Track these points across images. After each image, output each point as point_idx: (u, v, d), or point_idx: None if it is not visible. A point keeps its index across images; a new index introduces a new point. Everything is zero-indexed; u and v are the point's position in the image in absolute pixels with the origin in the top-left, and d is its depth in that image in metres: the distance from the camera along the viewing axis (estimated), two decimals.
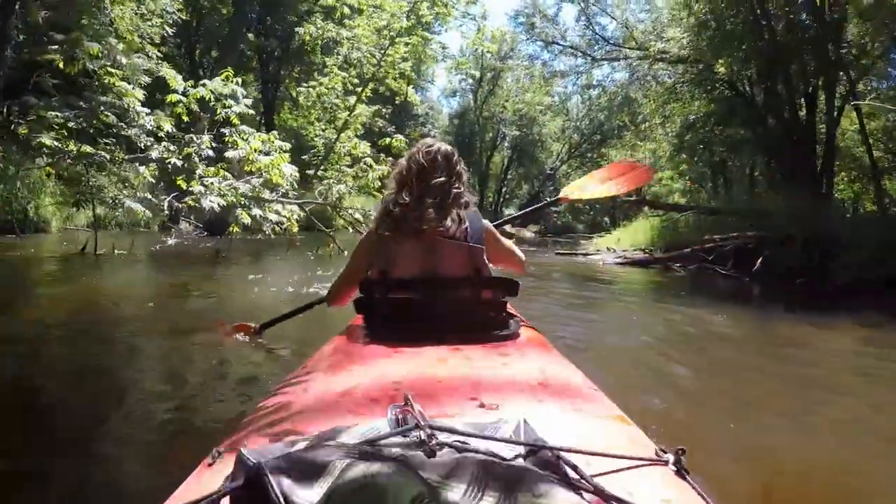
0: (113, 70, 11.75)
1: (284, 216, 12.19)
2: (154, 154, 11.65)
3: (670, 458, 1.37)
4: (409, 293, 2.58)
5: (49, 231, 16.96)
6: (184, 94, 11.75)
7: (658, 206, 25.46)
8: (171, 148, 11.71)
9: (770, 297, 12.21)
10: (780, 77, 20.32)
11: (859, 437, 3.67)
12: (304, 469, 0.95)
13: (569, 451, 1.19)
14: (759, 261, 14.39)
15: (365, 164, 15.03)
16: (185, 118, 12.18)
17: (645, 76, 30.74)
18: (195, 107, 12.15)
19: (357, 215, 14.54)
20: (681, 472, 1.34)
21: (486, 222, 2.79)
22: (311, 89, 25.00)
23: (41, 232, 16.51)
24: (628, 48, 30.41)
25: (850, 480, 3.11)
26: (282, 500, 0.89)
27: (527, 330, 2.64)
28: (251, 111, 12.44)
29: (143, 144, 11.92)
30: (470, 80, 56.82)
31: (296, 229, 12.65)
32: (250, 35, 33.70)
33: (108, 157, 11.47)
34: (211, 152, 11.96)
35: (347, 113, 23.93)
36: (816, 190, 18.98)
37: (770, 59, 19.53)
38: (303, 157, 25.30)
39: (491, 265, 2.71)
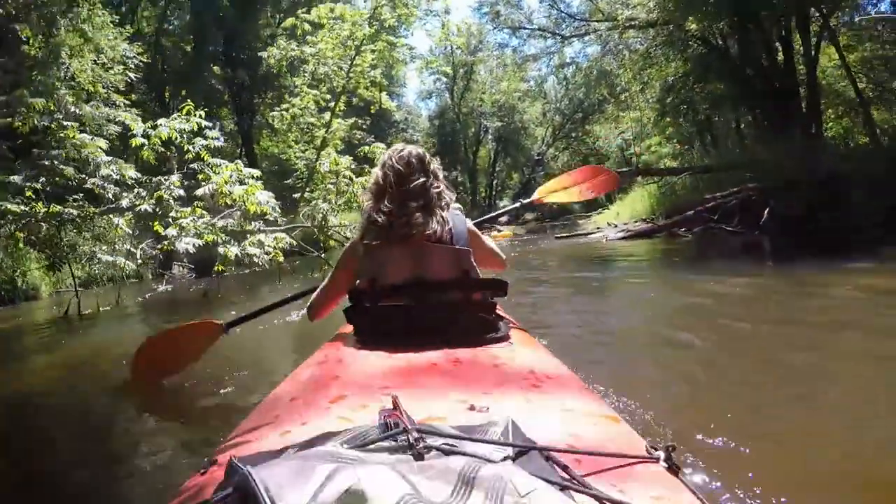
0: (67, 122, 11.18)
1: (269, 246, 11.59)
2: (124, 202, 11.09)
3: (661, 455, 1.36)
4: (400, 300, 2.55)
5: (39, 297, 16.33)
6: (145, 135, 11.18)
7: (652, 173, 24.72)
8: (143, 194, 11.14)
9: (781, 249, 11.84)
10: (752, 25, 20.05)
11: (867, 428, 3.29)
12: (292, 475, 0.93)
13: (558, 450, 1.23)
14: (766, 212, 14.01)
15: (345, 177, 14.42)
16: (152, 161, 11.63)
17: (617, 46, 30.64)
18: (161, 148, 11.60)
19: (347, 233, 13.99)
20: (672, 468, 1.33)
21: (468, 222, 2.79)
22: (284, 112, 24.40)
23: (32, 299, 15.95)
24: (596, 21, 30.03)
25: (854, 474, 2.82)
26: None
27: (517, 331, 2.64)
28: (220, 142, 11.84)
29: (110, 194, 11.36)
30: (444, 79, 56.07)
31: (281, 258, 12.06)
32: (216, 68, 33.19)
33: (76, 213, 10.89)
34: (181, 192, 11.39)
35: (324, 130, 23.34)
36: (806, 132, 18.72)
37: (739, 8, 19.02)
38: (286, 182, 24.86)
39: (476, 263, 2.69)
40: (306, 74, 24.41)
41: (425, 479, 0.95)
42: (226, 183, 10.85)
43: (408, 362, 2.10)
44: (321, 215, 14.05)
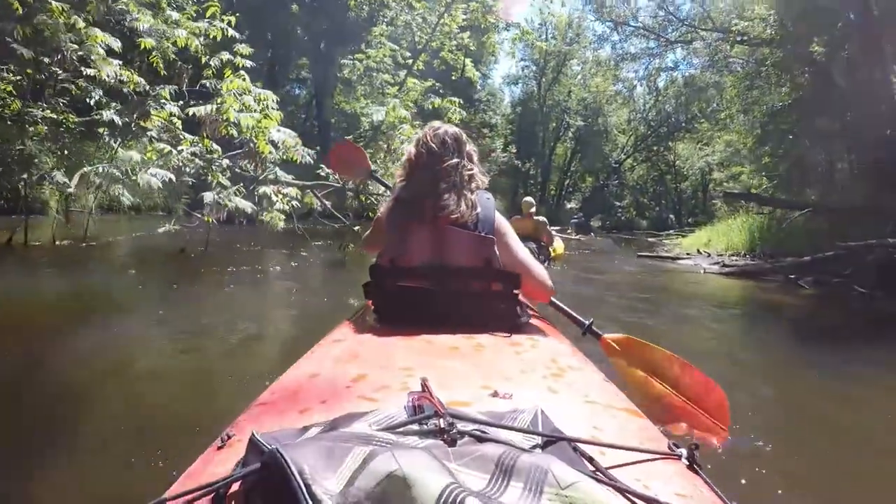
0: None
1: (278, 201, 8.73)
2: (107, 113, 8.29)
3: (683, 452, 1.34)
4: (418, 282, 2.43)
5: (45, 214, 14.25)
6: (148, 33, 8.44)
7: (767, 202, 21.29)
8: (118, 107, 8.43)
9: None
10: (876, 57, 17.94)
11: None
12: (325, 456, 0.88)
13: (586, 442, 1.22)
14: None
15: (401, 134, 11.35)
16: (161, 70, 8.88)
17: (725, 58, 27.69)
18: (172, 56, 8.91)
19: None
20: (693, 466, 1.32)
21: (499, 216, 2.57)
22: (357, 62, 21.55)
23: (37, 214, 13.89)
24: (704, 29, 27.85)
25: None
26: (303, 487, 0.82)
27: (538, 320, 2.62)
28: (248, 61, 8.97)
29: (92, 101, 8.56)
30: (532, 66, 53.64)
31: (279, 223, 9.22)
32: (295, 6, 30.20)
33: (40, 115, 8.13)
34: (174, 108, 8.57)
35: (397, 88, 20.46)
36: None
37: (867, 35, 17.18)
38: (346, 138, 22.19)
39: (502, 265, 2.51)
40: (385, 20, 21.52)
41: (461, 467, 0.90)
42: (231, 106, 7.98)
43: (429, 344, 2.01)
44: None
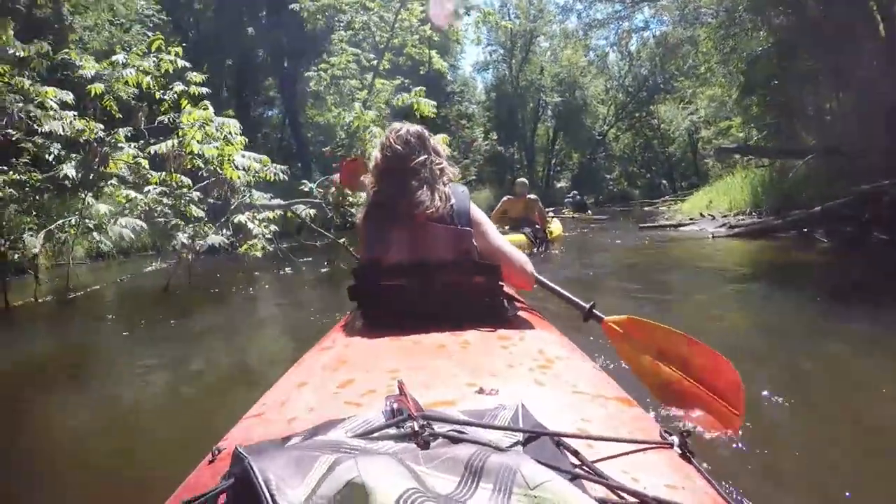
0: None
1: (257, 227, 8.43)
2: (66, 169, 8.02)
3: (675, 440, 1.34)
4: (400, 279, 2.47)
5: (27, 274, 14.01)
6: (98, 78, 8.13)
7: (766, 154, 20.88)
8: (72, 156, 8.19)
9: None
10: None
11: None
12: (293, 465, 0.91)
13: (569, 436, 1.21)
14: None
15: (371, 135, 10.98)
16: (116, 113, 8.59)
17: (695, 10, 27.47)
18: (128, 95, 8.63)
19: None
20: (686, 455, 1.33)
21: (474, 207, 2.61)
22: (322, 73, 21.22)
23: (18, 275, 13.65)
24: None
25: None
26: (268, 496, 0.85)
27: (526, 312, 2.62)
28: (202, 88, 8.70)
29: (51, 157, 8.30)
30: (501, 51, 53.18)
31: (258, 251, 8.94)
32: (250, 29, 29.86)
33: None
34: (131, 150, 8.30)
35: (366, 92, 20.12)
36: None
37: None
38: (323, 150, 21.93)
39: (482, 257, 2.56)
40: (341, 25, 21.17)
41: (431, 470, 0.92)
42: (193, 138, 7.69)
43: (415, 344, 2.02)
44: (337, 188, 10.71)
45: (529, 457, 0.98)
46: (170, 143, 8.16)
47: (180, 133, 8.38)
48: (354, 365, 1.88)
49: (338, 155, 19.32)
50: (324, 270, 11.41)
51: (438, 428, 1.10)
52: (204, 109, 8.59)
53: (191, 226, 8.59)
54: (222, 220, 8.99)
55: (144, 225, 8.04)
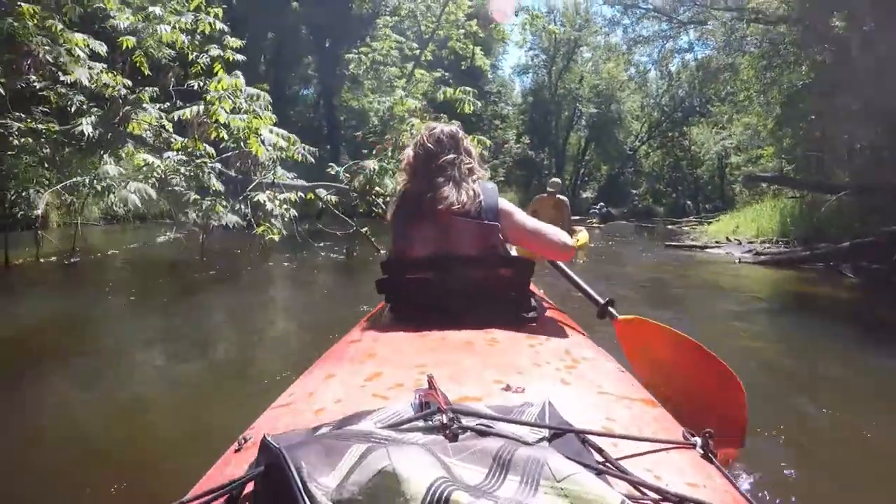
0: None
1: (276, 208, 7.95)
2: (84, 124, 7.57)
3: (697, 441, 1.36)
4: (425, 273, 2.48)
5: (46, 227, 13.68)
6: (131, 32, 7.66)
7: (800, 186, 20.30)
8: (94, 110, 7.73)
9: None
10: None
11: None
12: (324, 454, 0.91)
13: (594, 433, 1.21)
14: None
15: (409, 126, 10.44)
16: (146, 70, 8.13)
17: (740, 38, 26.80)
18: (162, 53, 8.12)
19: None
20: (708, 455, 1.33)
21: (503, 200, 2.58)
22: (362, 56, 20.73)
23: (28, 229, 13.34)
24: (716, 8, 27.20)
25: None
26: (300, 484, 0.85)
27: (552, 311, 2.64)
28: (239, 56, 8.22)
29: (73, 107, 7.84)
30: (543, 56, 52.92)
31: (276, 236, 8.46)
32: (295, 4, 29.33)
33: (17, 127, 7.46)
34: (155, 112, 7.82)
35: (405, 81, 19.65)
36: None
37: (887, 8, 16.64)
38: (356, 135, 21.47)
39: (518, 246, 2.75)
40: (388, 10, 20.70)
41: (459, 461, 0.92)
42: (220, 106, 7.22)
43: (443, 340, 2.01)
44: (364, 175, 10.19)
45: (556, 451, 0.98)
46: (195, 108, 7.68)
47: (207, 99, 7.88)
48: (382, 359, 1.86)
49: (368, 141, 18.90)
50: (343, 259, 11.12)
51: (466, 422, 1.11)
52: (236, 78, 8.10)
53: (207, 199, 8.09)
54: (240, 197, 8.50)
55: (153, 193, 7.52)
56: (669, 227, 32.90)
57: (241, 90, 8.18)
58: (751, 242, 18.21)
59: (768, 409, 3.84)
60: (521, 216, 2.63)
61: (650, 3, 31.22)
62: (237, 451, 1.33)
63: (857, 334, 6.94)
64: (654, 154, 56.82)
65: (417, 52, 21.17)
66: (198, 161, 8.20)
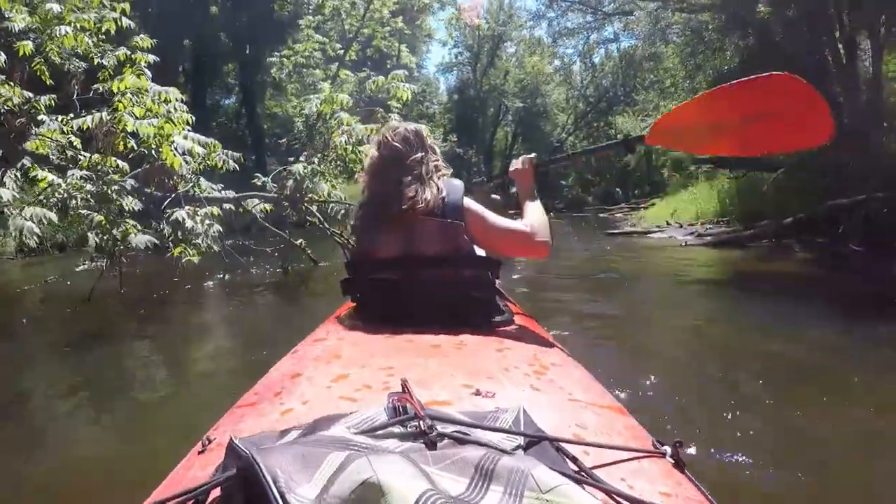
0: None
1: (198, 225, 7.07)
2: None
3: (668, 450, 1.34)
4: (390, 273, 2.45)
5: None
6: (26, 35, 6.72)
7: (738, 166, 20.10)
8: None
9: None
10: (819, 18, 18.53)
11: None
12: (301, 462, 0.87)
13: (570, 441, 1.21)
14: None
15: (340, 124, 9.55)
16: (47, 79, 7.20)
17: (665, 27, 27.03)
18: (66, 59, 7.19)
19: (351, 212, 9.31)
20: (678, 464, 1.32)
21: (468, 199, 2.52)
22: (284, 59, 19.79)
23: None
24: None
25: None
26: (276, 494, 0.80)
27: (521, 316, 2.60)
28: (152, 56, 7.31)
29: None
30: (467, 53, 52.97)
31: (195, 258, 7.55)
32: (214, 8, 28.02)
33: None
34: (53, 124, 6.86)
35: (329, 83, 18.80)
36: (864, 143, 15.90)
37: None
38: (280, 142, 20.55)
39: (485, 247, 2.60)
40: (310, 9, 19.80)
41: (440, 471, 0.89)
42: (127, 109, 6.29)
43: (410, 342, 1.99)
44: (294, 180, 9.29)
45: (538, 461, 0.95)
46: (98, 115, 6.71)
47: (113, 105, 6.93)
48: (349, 359, 1.83)
49: (295, 148, 18.00)
50: (278, 276, 10.14)
51: (443, 428, 1.06)
52: (139, 75, 7.14)
53: (118, 221, 7.12)
54: (160, 215, 7.56)
55: (54, 217, 6.52)
56: (602, 215, 33.60)
57: (146, 90, 7.20)
58: (691, 225, 18.49)
59: (732, 404, 3.84)
60: (488, 213, 2.55)
61: None
62: (201, 452, 1.28)
63: (817, 310, 6.96)
64: (581, 145, 57.18)
65: (341, 51, 20.30)
66: (107, 178, 7.18)
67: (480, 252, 2.58)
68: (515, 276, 9.11)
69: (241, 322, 7.35)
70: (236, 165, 8.56)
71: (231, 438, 0.96)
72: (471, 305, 2.38)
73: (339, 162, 9.65)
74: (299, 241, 9.69)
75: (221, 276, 9.64)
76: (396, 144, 2.51)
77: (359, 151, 9.59)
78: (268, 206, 9.53)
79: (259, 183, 10.06)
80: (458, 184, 2.53)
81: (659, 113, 35.40)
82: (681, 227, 18.47)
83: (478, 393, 1.46)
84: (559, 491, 0.85)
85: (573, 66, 53.26)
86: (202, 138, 7.73)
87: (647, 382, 4.28)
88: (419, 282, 2.39)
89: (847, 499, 2.85)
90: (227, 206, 8.90)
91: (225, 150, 8.51)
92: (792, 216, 13.20)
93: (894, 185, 11.94)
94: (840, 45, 18.58)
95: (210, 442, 1.30)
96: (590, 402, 1.59)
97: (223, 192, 9.16)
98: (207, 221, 7.76)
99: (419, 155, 2.50)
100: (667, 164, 36.45)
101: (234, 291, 9.04)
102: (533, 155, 3.10)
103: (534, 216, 2.65)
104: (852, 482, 2.96)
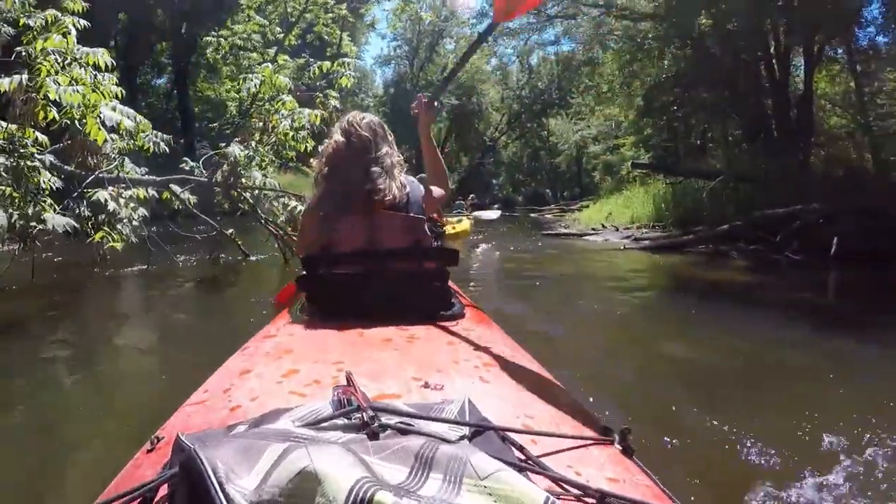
0: None
1: (123, 209, 6.37)
2: None
3: (616, 437, 1.35)
4: (352, 267, 2.43)
5: None
6: None
7: (676, 172, 20.65)
8: None
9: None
10: (756, 34, 19.20)
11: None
12: (242, 454, 0.86)
13: (515, 430, 1.20)
14: (836, 241, 11.02)
15: (281, 108, 8.90)
16: None
17: (606, 33, 26.49)
18: None
19: (287, 203, 8.67)
20: (627, 450, 1.33)
21: (421, 187, 2.63)
22: (221, 40, 18.88)
23: None
24: (585, 4, 26.49)
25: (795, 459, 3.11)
26: (217, 486, 0.79)
27: (471, 310, 2.59)
28: (84, 21, 6.57)
29: None
30: (406, 47, 52.49)
31: (118, 245, 6.86)
32: None
33: None
34: None
35: (268, 66, 18.04)
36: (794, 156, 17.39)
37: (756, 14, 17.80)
38: (211, 126, 19.66)
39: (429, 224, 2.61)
40: None
41: (381, 460, 0.89)
42: (49, 74, 5.58)
43: (361, 337, 1.96)
44: (228, 164, 8.59)
45: (478, 449, 0.96)
46: (17, 78, 5.93)
47: (33, 67, 6.15)
48: (299, 355, 1.78)
49: (226, 133, 17.17)
50: (205, 267, 9.40)
51: (387, 419, 1.06)
52: (65, 34, 6.36)
53: (32, 201, 6.33)
54: (74, 195, 6.81)
55: None
56: (533, 215, 33.80)
57: (72, 52, 6.41)
58: (627, 228, 18.53)
59: (683, 398, 3.99)
60: (429, 192, 2.66)
61: None
62: (149, 451, 1.25)
63: (753, 314, 7.12)
64: (514, 145, 57.59)
65: (281, 35, 19.49)
66: (23, 152, 6.38)
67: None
68: (462, 276, 8.67)
69: (163, 317, 6.68)
70: (166, 148, 7.83)
71: (178, 435, 0.96)
72: (425, 298, 2.36)
73: (279, 147, 9.02)
74: (230, 230, 8.98)
75: (145, 266, 8.83)
76: (365, 134, 2.47)
77: (300, 138, 9.02)
78: (191, 198, 8.79)
79: (188, 168, 9.32)
80: (415, 181, 2.59)
81: (595, 117, 35.83)
82: (617, 230, 18.51)
83: (427, 386, 1.45)
84: (496, 477, 0.84)
85: (510, 66, 53.37)
86: (132, 112, 7.00)
87: (595, 377, 4.34)
88: (380, 275, 2.35)
89: (782, 478, 2.91)
90: (152, 190, 8.14)
91: (154, 132, 7.80)
92: (728, 224, 13.45)
93: (823, 196, 12.53)
94: (774, 61, 19.16)
95: (159, 441, 1.28)
96: (539, 393, 1.58)
97: (147, 176, 8.42)
98: (132, 205, 7.04)
99: (386, 148, 2.49)
100: (598, 167, 36.94)
101: (157, 283, 8.32)
102: (425, 94, 3.08)
103: (438, 173, 2.81)
104: (788, 467, 3.04)
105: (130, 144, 7.38)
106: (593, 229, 19.39)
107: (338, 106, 9.31)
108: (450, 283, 2.55)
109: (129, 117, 6.72)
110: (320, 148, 2.67)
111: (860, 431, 3.42)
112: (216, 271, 9.13)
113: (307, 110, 8.80)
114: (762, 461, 3.09)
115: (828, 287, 9.88)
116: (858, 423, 3.53)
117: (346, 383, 1.25)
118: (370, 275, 2.36)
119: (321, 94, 9.64)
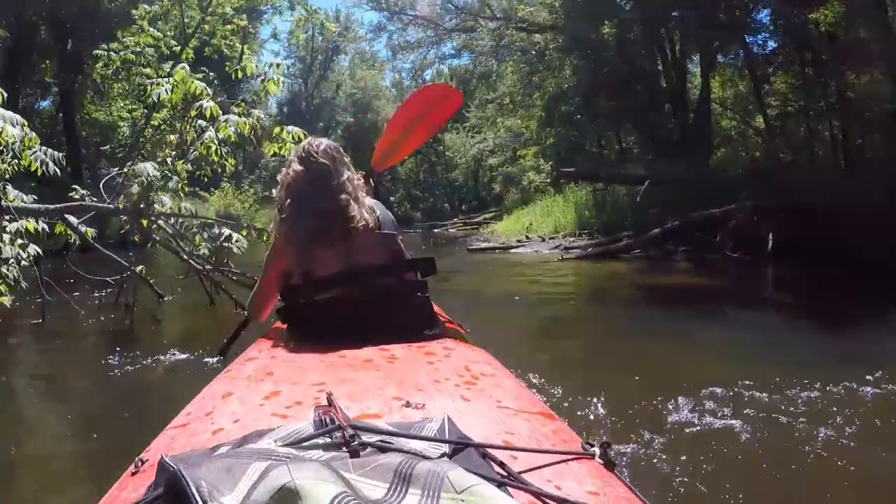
0: None
1: (6, 245, 4.85)
2: None
3: (596, 451, 1.32)
4: (334, 291, 2.36)
5: None
6: None
7: (599, 179, 20.07)
8: None
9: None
10: (654, 42, 20.30)
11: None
12: (224, 472, 0.86)
13: (494, 447, 1.18)
14: (771, 237, 11.59)
15: (195, 115, 7.31)
16: None
17: (508, 45, 26.77)
18: None
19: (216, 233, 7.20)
20: (608, 464, 1.30)
21: (384, 208, 2.65)
22: (112, 54, 17.02)
23: None
24: (483, 17, 27.36)
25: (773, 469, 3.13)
26: (200, 502, 0.80)
27: (452, 328, 2.59)
28: None
29: None
30: (299, 65, 51.30)
31: (7, 299, 5.34)
32: None
33: None
34: None
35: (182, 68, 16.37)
36: (694, 157, 18.00)
37: (652, 24, 18.94)
38: (102, 148, 17.77)
39: None
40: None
41: (360, 477, 0.90)
42: None
43: (343, 358, 1.93)
44: (139, 185, 6.93)
45: (457, 464, 0.96)
46: None
47: None
48: (281, 377, 1.76)
49: (118, 156, 15.33)
50: (117, 316, 7.24)
51: (367, 438, 1.06)
52: None
53: None
54: None
55: None
56: (437, 230, 33.17)
57: None
58: (553, 238, 18.21)
59: (667, 405, 3.92)
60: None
61: (417, 11, 30.62)
62: (134, 473, 1.23)
63: (707, 314, 7.40)
64: (409, 160, 56.91)
65: (178, 49, 17.80)
66: None
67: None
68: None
69: (67, 393, 4.96)
70: (57, 169, 6.19)
71: (162, 456, 0.94)
72: (407, 315, 2.30)
73: (200, 164, 7.43)
74: (139, 267, 7.27)
75: (39, 319, 6.91)
76: (324, 161, 2.41)
77: (227, 154, 7.50)
78: (89, 230, 7.15)
79: (77, 196, 7.53)
80: (379, 202, 2.55)
81: (497, 129, 35.41)
82: (543, 240, 18.13)
83: (408, 405, 1.41)
84: (473, 490, 0.84)
85: (402, 83, 52.83)
86: (17, 118, 5.44)
87: (573, 393, 4.16)
88: (361, 295, 2.31)
89: (759, 489, 2.94)
90: (43, 223, 6.44)
91: (43, 148, 6.20)
92: (660, 227, 13.56)
93: (727, 196, 13.03)
94: (672, 69, 20.18)
95: (143, 463, 1.24)
96: (519, 410, 1.55)
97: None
98: (20, 241, 5.44)
99: (347, 173, 2.44)
100: (497, 178, 36.58)
101: (58, 342, 6.42)
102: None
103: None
104: (762, 474, 3.07)
105: (14, 165, 5.78)
106: (518, 241, 18.83)
107: (261, 116, 7.87)
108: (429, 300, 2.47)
109: (12, 123, 5.16)
110: (279, 176, 2.54)
111: (847, 433, 3.46)
112: (131, 319, 7.13)
113: (233, 116, 7.29)
114: (740, 467, 3.13)
115: (768, 282, 10.44)
116: (843, 424, 3.57)
117: (327, 404, 1.22)
118: (351, 297, 2.31)
119: (241, 102, 8.11)
